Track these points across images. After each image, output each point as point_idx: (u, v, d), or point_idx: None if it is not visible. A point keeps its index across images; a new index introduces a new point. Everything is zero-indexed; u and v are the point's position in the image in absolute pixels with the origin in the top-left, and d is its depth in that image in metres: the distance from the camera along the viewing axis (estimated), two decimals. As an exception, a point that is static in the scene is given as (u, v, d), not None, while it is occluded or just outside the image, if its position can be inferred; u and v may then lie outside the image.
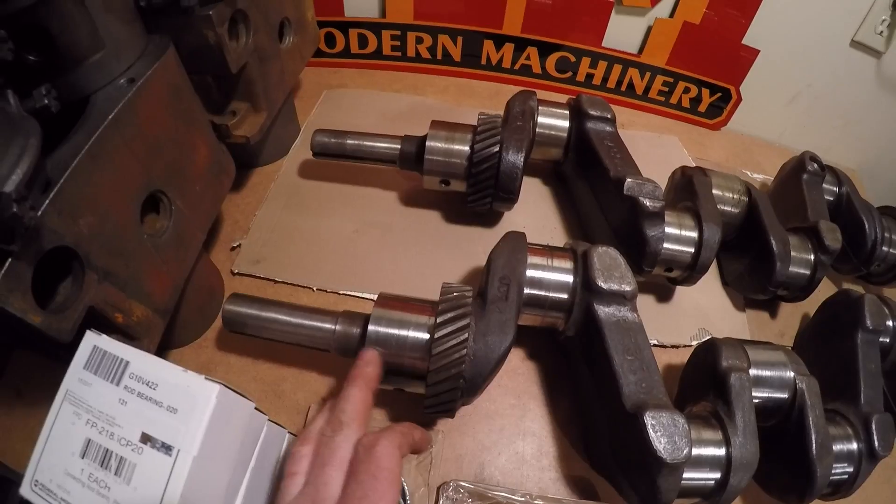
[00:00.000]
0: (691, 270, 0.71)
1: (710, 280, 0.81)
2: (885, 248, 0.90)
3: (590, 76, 0.97)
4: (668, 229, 0.69)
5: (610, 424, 0.58)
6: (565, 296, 0.59)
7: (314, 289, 0.70)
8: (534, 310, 0.60)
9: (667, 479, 0.51)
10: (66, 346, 0.42)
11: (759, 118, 1.02)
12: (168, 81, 0.51)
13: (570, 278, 0.59)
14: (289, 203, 0.77)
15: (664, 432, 0.50)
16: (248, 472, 0.46)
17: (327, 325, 0.57)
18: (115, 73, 0.46)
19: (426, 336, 0.54)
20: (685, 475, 0.53)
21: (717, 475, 0.54)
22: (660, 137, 0.95)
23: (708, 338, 0.73)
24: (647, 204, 0.66)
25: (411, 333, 0.54)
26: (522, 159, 0.68)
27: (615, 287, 0.57)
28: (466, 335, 0.52)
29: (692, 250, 0.70)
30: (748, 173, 0.96)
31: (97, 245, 0.42)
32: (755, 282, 0.78)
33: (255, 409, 0.47)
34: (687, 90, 0.97)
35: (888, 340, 0.78)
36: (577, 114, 0.76)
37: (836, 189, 0.91)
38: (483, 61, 0.95)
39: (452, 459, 0.62)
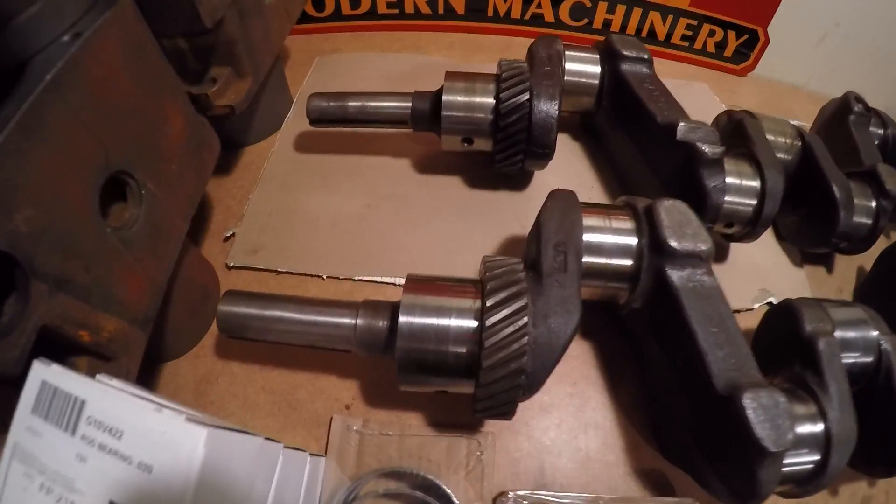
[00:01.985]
0: (753, 225, 0.57)
1: (764, 235, 0.67)
2: None
3: (607, 23, 0.81)
4: (729, 179, 0.54)
5: (693, 409, 0.46)
6: (629, 262, 0.46)
7: (324, 277, 0.55)
8: (593, 281, 0.46)
9: (768, 470, 0.40)
10: (17, 379, 0.30)
11: (786, 62, 0.88)
12: (124, 36, 0.38)
13: (633, 240, 0.46)
14: (286, 182, 0.61)
15: (766, 416, 0.39)
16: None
17: (346, 320, 0.43)
18: (57, 31, 0.34)
19: (473, 324, 0.40)
20: (788, 460, 0.42)
21: (816, 457, 0.44)
22: (689, 85, 0.80)
23: (769, 300, 0.60)
24: (706, 150, 0.52)
25: (454, 322, 0.40)
26: (557, 107, 0.53)
27: (689, 247, 0.44)
28: (526, 319, 0.38)
29: (754, 202, 0.57)
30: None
31: (44, 246, 0.31)
32: (815, 234, 0.65)
33: (266, 439, 0.33)
34: (712, 33, 0.82)
35: (955, 286, 0.65)
36: (610, 56, 0.61)
37: (881, 132, 0.78)
38: (490, 13, 0.79)
39: (507, 464, 0.48)
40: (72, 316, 0.34)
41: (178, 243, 0.47)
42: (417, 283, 0.43)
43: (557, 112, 0.53)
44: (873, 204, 0.66)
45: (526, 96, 0.53)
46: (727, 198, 0.55)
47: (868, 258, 0.70)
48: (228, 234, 0.59)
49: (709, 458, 0.45)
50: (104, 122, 0.37)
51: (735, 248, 0.65)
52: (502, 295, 0.39)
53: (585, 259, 0.45)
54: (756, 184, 0.57)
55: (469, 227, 0.58)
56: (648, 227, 0.45)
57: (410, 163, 0.63)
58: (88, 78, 0.35)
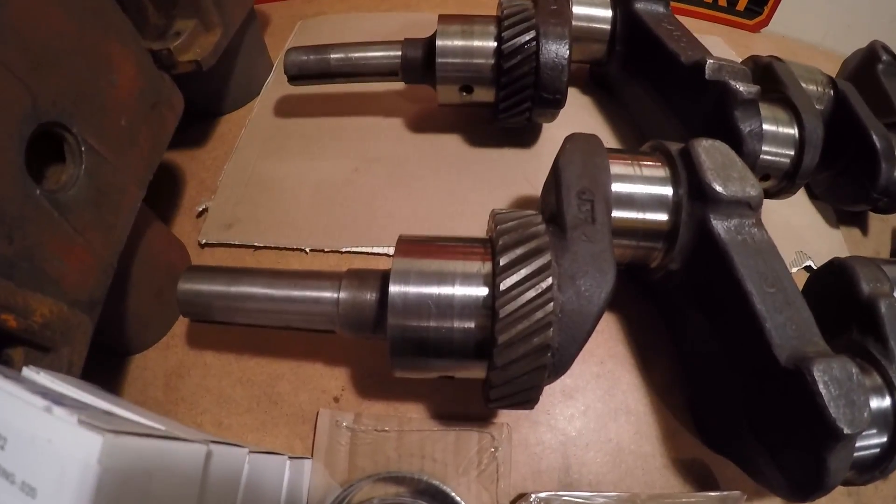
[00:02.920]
0: (791, 178, 0.49)
1: (797, 194, 0.58)
2: None
3: None
4: (766, 125, 0.45)
5: (746, 387, 0.37)
6: (664, 216, 0.37)
7: (307, 250, 0.46)
8: (623, 240, 0.37)
9: (839, 455, 0.33)
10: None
11: (800, 18, 0.80)
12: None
13: (668, 190, 0.37)
14: (265, 149, 0.52)
15: (840, 391, 0.32)
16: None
17: (327, 294, 0.34)
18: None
19: (483, 290, 0.31)
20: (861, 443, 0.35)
21: (883, 438, 0.37)
22: (701, 38, 0.70)
23: (808, 263, 0.51)
24: (742, 89, 0.43)
25: (459, 290, 0.31)
26: (567, 47, 0.44)
27: (737, 192, 0.36)
28: (550, 280, 0.29)
29: (792, 152, 0.48)
30: None
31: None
32: (854, 189, 0.56)
33: (219, 443, 0.24)
34: None
35: None
36: (624, -2, 0.51)
37: None
38: None
39: (526, 461, 0.39)
40: (-8, 296, 0.26)
41: (132, 213, 0.38)
42: (412, 245, 0.33)
43: (568, 52, 0.44)
44: (915, 157, 0.57)
45: (532, 34, 0.44)
46: (763, 146, 0.46)
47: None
48: (201, 209, 0.49)
49: (764, 444, 0.36)
50: (31, 63, 0.29)
51: (767, 207, 0.55)
52: (519, 252, 0.30)
53: (615, 213, 0.36)
54: (794, 131, 0.48)
55: (472, 188, 0.49)
56: (686, 173, 0.36)
57: (403, 122, 0.54)
58: (9, 8, 0.28)
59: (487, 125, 0.51)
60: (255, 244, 0.47)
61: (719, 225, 0.35)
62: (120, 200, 0.38)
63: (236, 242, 0.47)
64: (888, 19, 0.80)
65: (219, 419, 0.42)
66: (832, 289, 0.44)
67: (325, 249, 0.46)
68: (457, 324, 0.31)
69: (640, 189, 0.37)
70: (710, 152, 0.37)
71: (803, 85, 0.56)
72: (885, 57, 0.65)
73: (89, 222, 0.34)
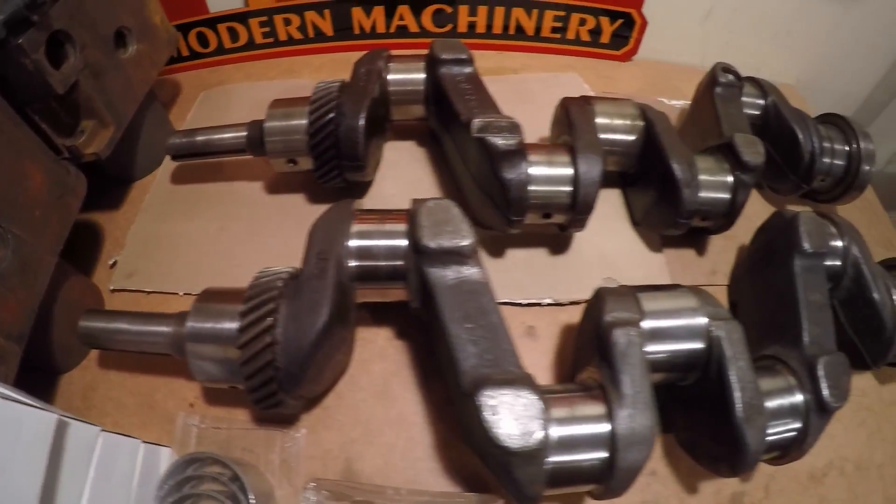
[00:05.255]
0: (573, 212, 0.62)
1: (617, 221, 0.71)
2: (827, 160, 0.76)
3: (472, 25, 0.87)
4: (535, 169, 0.60)
5: (458, 407, 0.50)
6: (401, 262, 0.53)
7: (181, 294, 0.67)
8: (370, 283, 0.54)
9: (524, 470, 0.43)
10: None
11: (674, 41, 0.88)
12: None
13: (402, 242, 0.53)
14: (161, 212, 0.74)
15: (509, 414, 0.42)
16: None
17: (162, 329, 0.54)
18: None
19: (235, 326, 0.50)
20: (557, 459, 0.45)
21: (602, 454, 0.45)
22: (556, 77, 0.84)
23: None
24: (499, 142, 0.58)
25: (226, 325, 0.50)
26: (362, 121, 0.61)
27: (447, 244, 0.50)
28: (269, 321, 0.48)
29: (569, 189, 0.61)
30: (664, 101, 0.84)
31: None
32: (664, 215, 0.67)
33: (86, 423, 0.43)
34: (583, 22, 0.85)
35: (839, 264, 0.65)
36: (431, 62, 0.68)
37: (761, 102, 0.78)
38: (356, 31, 0.88)
39: (318, 457, 0.56)
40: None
41: (48, 273, 0.61)
42: (211, 293, 0.53)
43: (363, 125, 0.61)
44: (730, 179, 0.67)
45: (332, 114, 0.62)
46: (536, 188, 0.59)
47: (750, 235, 0.71)
48: (112, 262, 0.72)
49: (482, 458, 0.48)
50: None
51: (581, 238, 0.68)
52: (255, 301, 0.48)
53: (357, 263, 0.51)
54: (569, 171, 0.60)
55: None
56: (411, 227, 0.52)
57: (262, 186, 0.73)
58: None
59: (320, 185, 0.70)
60: (146, 290, 0.69)
61: (432, 272, 0.49)
62: (38, 267, 0.60)
63: (134, 289, 0.70)
64: (770, 35, 0.87)
65: (116, 421, 0.64)
66: (593, 318, 0.52)
67: (193, 293, 0.66)
68: (226, 349, 0.49)
69: (380, 242, 0.52)
70: (432, 211, 0.51)
71: (608, 120, 0.67)
72: (723, 79, 0.75)
73: (16, 284, 0.57)
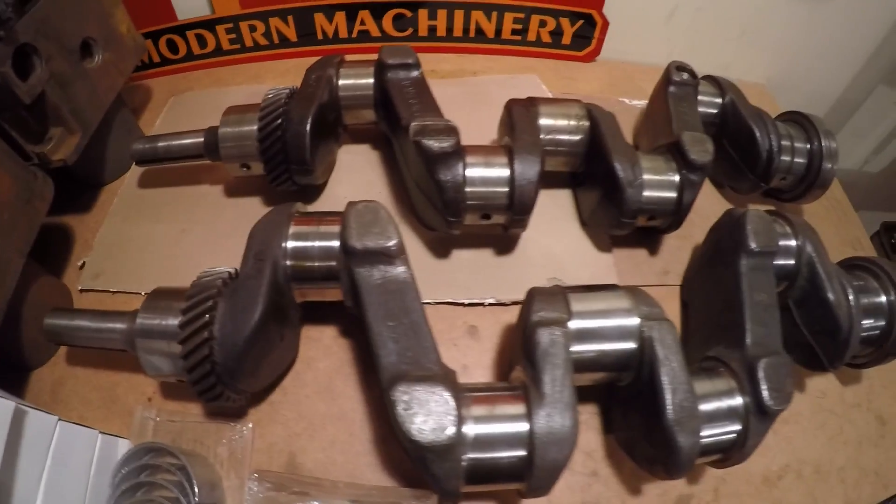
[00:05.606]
0: (511, 213, 0.65)
1: (565, 222, 0.73)
2: (786, 158, 0.77)
3: (433, 29, 0.90)
4: (472, 171, 0.63)
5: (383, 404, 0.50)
6: (333, 263, 0.56)
7: (143, 293, 0.71)
8: (307, 283, 0.57)
9: (439, 466, 0.45)
10: None
11: (638, 42, 0.89)
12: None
13: (335, 243, 0.56)
14: (128, 215, 0.79)
15: (419, 410, 0.44)
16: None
17: (117, 325, 0.58)
18: None
19: (175, 322, 0.53)
20: (474, 455, 0.47)
21: (521, 453, 0.47)
22: (514, 78, 0.86)
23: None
24: (433, 145, 0.61)
25: (171, 322, 0.54)
26: (308, 125, 0.64)
27: (372, 244, 0.52)
28: (206, 318, 0.51)
29: (506, 189, 0.64)
30: (626, 101, 0.85)
31: None
32: (609, 215, 0.69)
33: (43, 412, 0.46)
34: (543, 23, 0.87)
35: (792, 263, 0.66)
36: (379, 67, 0.71)
37: (719, 100, 0.80)
38: (319, 36, 0.91)
39: (264, 450, 0.60)
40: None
41: (16, 273, 0.65)
42: (160, 292, 0.56)
43: (308, 129, 0.64)
44: (676, 178, 0.69)
45: (279, 121, 0.66)
46: (473, 189, 0.61)
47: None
48: (81, 264, 0.77)
49: (405, 451, 0.49)
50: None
51: (527, 238, 0.70)
52: (193, 300, 0.52)
53: (293, 263, 0.54)
54: (506, 172, 0.62)
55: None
56: (341, 229, 0.54)
57: (222, 189, 0.76)
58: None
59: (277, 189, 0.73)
60: (112, 290, 0.74)
61: (359, 272, 0.52)
62: (6, 267, 0.65)
63: (101, 289, 0.74)
64: (737, 33, 0.88)
65: (82, 414, 0.68)
66: (524, 318, 0.54)
67: (153, 292, 0.72)
68: (171, 344, 0.52)
69: (315, 244, 0.54)
70: (360, 213, 0.53)
71: (552, 121, 0.68)
72: (677, 78, 0.77)
73: (-16, 284, 0.63)
